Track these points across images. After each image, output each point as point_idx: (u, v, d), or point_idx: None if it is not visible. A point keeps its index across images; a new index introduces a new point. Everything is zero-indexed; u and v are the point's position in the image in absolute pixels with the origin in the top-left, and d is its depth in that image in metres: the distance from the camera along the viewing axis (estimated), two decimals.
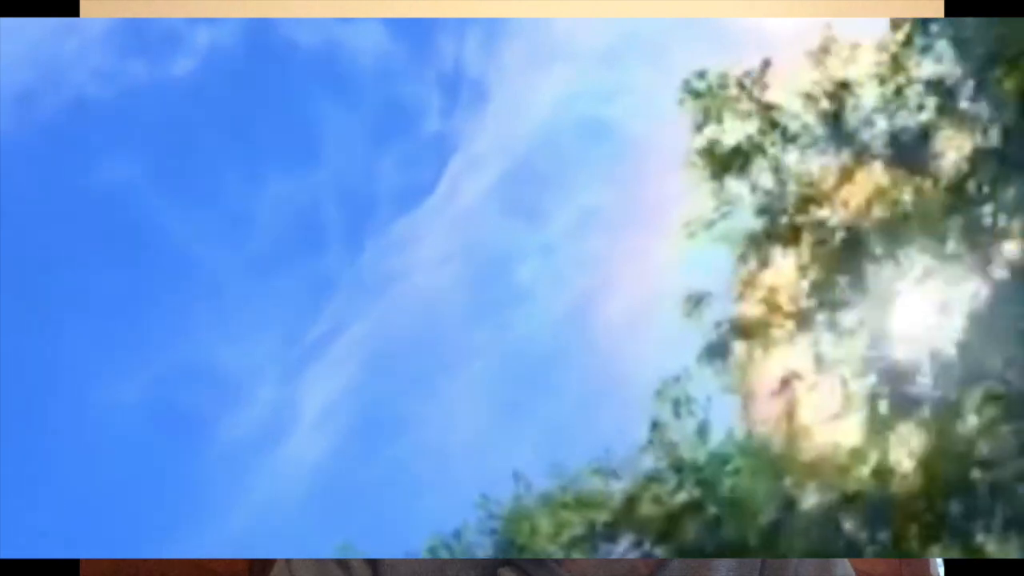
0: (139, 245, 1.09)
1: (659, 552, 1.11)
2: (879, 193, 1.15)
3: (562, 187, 1.14)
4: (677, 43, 1.16)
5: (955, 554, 1.09)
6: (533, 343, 1.14)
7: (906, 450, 1.12)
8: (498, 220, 1.14)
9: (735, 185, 1.18)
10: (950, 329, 1.14)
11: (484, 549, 1.12)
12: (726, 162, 1.17)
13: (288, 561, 1.19)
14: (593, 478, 1.12)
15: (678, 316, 1.16)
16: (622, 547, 1.10)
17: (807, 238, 1.16)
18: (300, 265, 1.11)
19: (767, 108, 1.17)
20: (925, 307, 1.14)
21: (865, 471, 1.11)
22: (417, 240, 1.12)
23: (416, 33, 1.13)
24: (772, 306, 1.16)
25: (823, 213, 1.16)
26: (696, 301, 1.16)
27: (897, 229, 1.15)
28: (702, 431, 1.12)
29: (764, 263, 1.17)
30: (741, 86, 1.17)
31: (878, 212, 1.15)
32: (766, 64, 1.17)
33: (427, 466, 1.11)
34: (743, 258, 1.17)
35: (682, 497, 1.11)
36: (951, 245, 1.14)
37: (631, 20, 1.15)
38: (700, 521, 1.11)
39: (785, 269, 1.17)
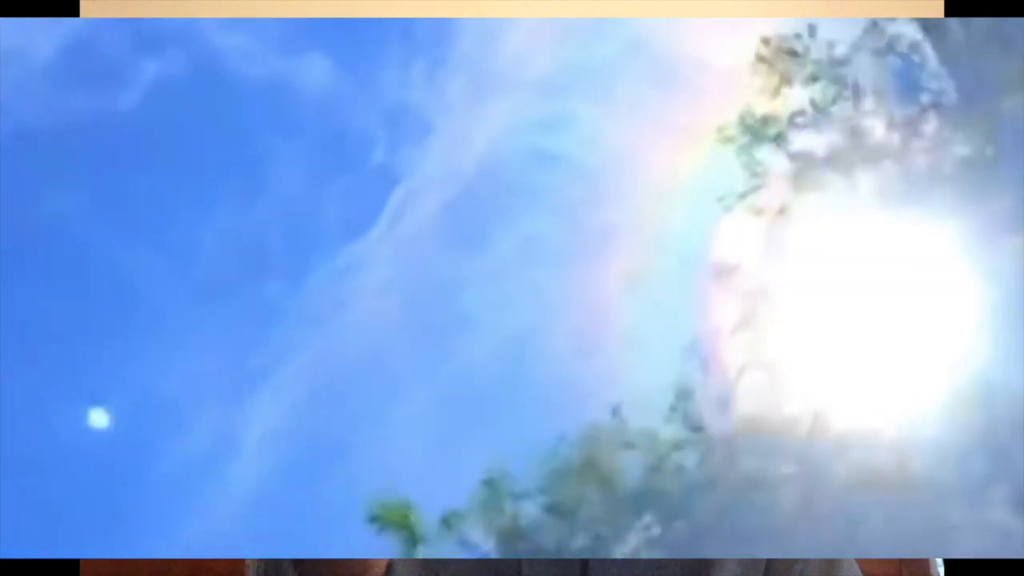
0: (83, 274, 1.10)
1: None
2: None
3: (505, 216, 1.15)
4: (619, 74, 1.17)
5: None
6: (477, 371, 1.14)
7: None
8: (442, 249, 1.15)
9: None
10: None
11: None
12: None
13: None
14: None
15: (622, 347, 1.17)
16: None
17: None
18: (244, 294, 1.12)
19: None
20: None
21: None
22: (361, 269, 1.14)
23: (360, 65, 1.14)
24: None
25: None
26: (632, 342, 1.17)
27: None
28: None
29: None
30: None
31: None
32: None
33: (370, 494, 1.12)
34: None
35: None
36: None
37: (574, 51, 1.17)
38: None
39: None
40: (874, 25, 1.18)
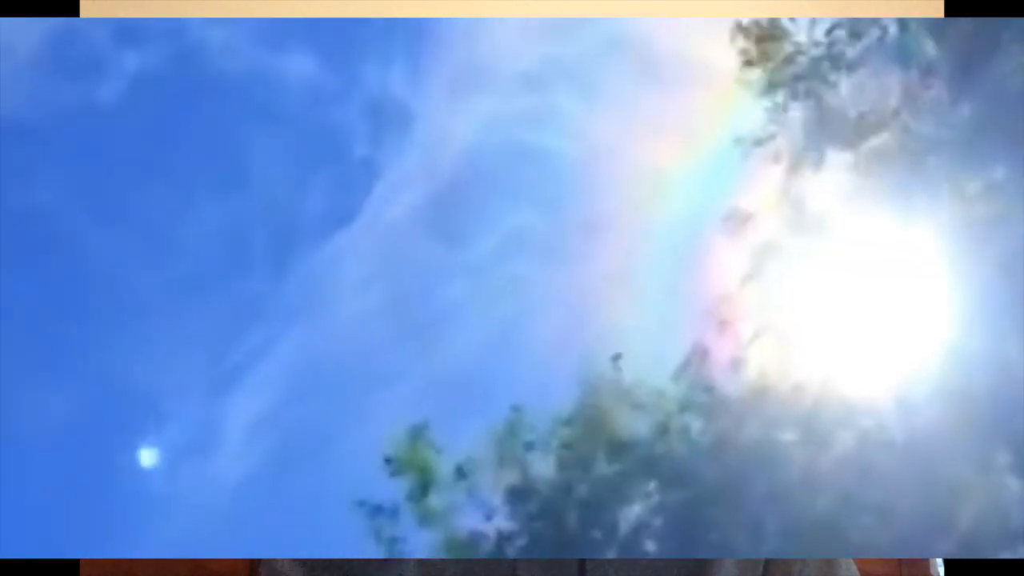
0: (63, 265, 1.10)
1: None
2: None
3: (487, 210, 1.16)
4: (601, 68, 1.18)
5: None
6: (458, 365, 1.15)
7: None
8: (423, 242, 1.15)
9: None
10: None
11: None
12: None
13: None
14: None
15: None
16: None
17: None
18: (226, 286, 1.12)
19: None
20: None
21: None
22: (343, 262, 1.14)
23: (343, 59, 1.15)
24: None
25: None
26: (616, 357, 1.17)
27: None
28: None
29: None
30: None
31: None
32: None
33: (351, 489, 1.12)
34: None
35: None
36: None
37: (554, 44, 1.18)
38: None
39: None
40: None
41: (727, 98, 1.21)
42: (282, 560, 1.17)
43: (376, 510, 1.12)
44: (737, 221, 1.16)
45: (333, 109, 1.14)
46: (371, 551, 1.12)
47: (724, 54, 1.21)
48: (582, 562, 1.16)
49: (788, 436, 1.11)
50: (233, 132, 1.12)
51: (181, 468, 1.09)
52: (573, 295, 1.16)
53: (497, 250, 1.15)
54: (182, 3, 2.22)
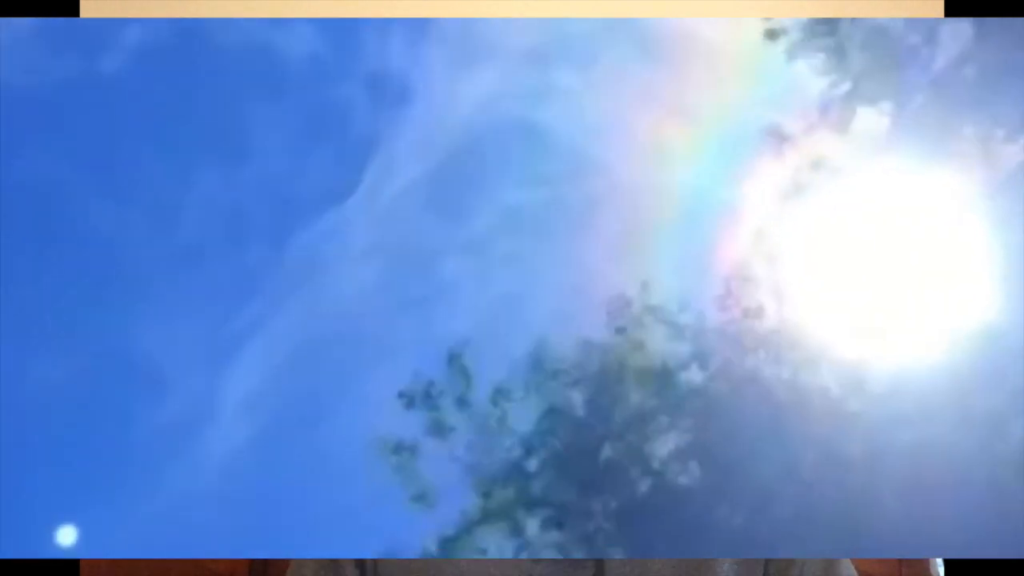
0: (64, 235, 1.11)
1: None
2: None
3: (487, 186, 1.16)
4: (603, 45, 1.18)
5: None
6: (456, 339, 1.15)
7: None
8: (422, 217, 1.16)
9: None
10: None
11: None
12: None
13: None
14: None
15: (603, 316, 1.17)
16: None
17: None
18: (225, 258, 1.13)
19: None
20: None
21: None
22: (341, 236, 1.15)
23: (343, 34, 1.15)
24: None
25: None
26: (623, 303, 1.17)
27: None
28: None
29: None
30: None
31: None
32: None
33: (347, 460, 1.13)
34: None
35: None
36: None
37: (557, 20, 1.17)
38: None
39: None
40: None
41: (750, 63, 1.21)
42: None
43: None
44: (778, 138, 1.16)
45: (333, 84, 1.14)
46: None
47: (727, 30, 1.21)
48: (600, 562, 1.16)
49: (822, 376, 1.11)
50: (234, 106, 1.13)
51: (178, 437, 1.11)
52: (573, 272, 1.16)
53: (496, 226, 1.16)
54: (182, 3, 2.23)
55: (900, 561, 1.88)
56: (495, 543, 1.11)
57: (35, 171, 1.12)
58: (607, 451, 1.13)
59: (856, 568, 1.22)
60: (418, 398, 1.13)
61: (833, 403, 1.11)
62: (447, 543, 1.11)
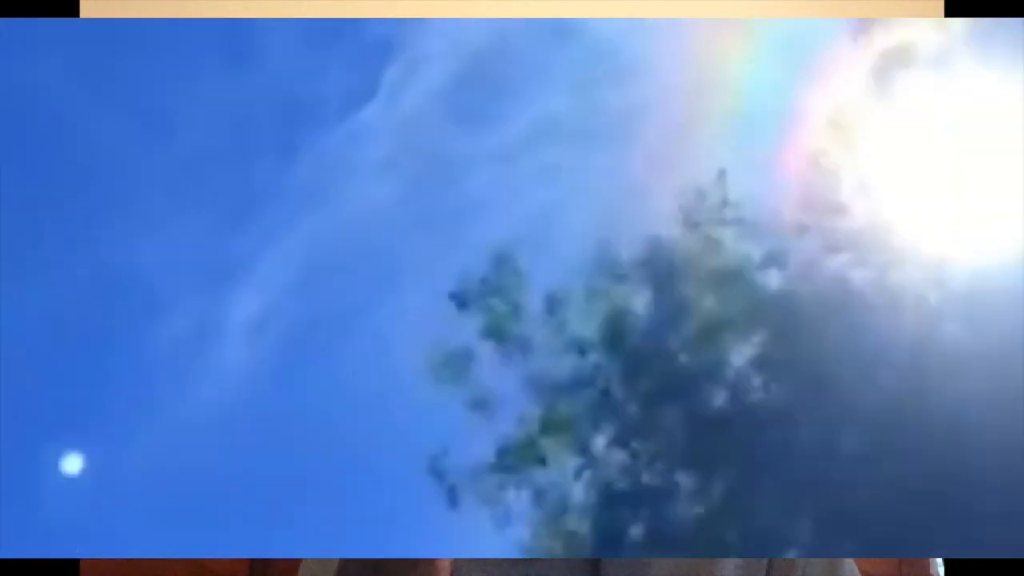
0: (56, 147, 1.01)
1: None
2: None
3: (517, 92, 1.06)
4: None
5: None
6: (486, 258, 1.04)
7: None
8: (446, 126, 1.05)
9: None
10: None
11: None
12: None
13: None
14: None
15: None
16: None
17: None
18: (230, 170, 1.03)
19: None
20: None
21: None
22: (358, 146, 1.04)
23: None
24: None
25: None
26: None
27: None
28: None
29: None
30: None
31: None
32: None
33: (346, 405, 1.02)
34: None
35: None
36: None
37: None
38: None
39: None
40: None
41: None
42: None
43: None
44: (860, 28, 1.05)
45: None
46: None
47: None
48: (596, 562, 1.06)
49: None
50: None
51: (181, 359, 1.00)
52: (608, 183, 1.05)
53: (528, 136, 1.05)
54: (182, 3, 2.18)
55: (900, 561, 1.81)
56: (556, 457, 1.00)
57: (22, 79, 1.02)
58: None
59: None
60: (446, 311, 1.02)
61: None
62: (505, 454, 1.00)
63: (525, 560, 1.05)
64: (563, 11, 1.56)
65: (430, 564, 0.98)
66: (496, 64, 1.06)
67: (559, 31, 1.06)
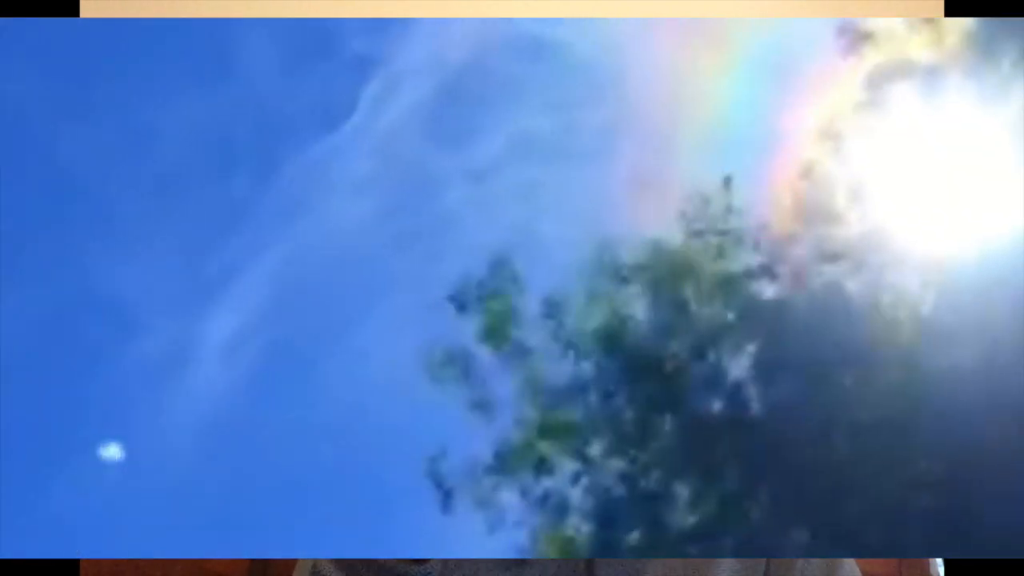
0: (33, 163, 1.01)
1: None
2: None
3: (495, 109, 1.05)
4: None
5: None
6: (463, 275, 1.04)
7: None
8: (423, 143, 1.05)
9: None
10: None
11: None
12: None
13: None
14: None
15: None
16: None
17: None
18: (207, 188, 1.02)
19: None
20: None
21: None
22: (334, 164, 1.04)
23: None
24: None
25: None
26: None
27: None
28: None
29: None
30: None
31: None
32: None
33: (339, 412, 1.02)
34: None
35: None
36: None
37: None
38: None
39: None
40: None
41: None
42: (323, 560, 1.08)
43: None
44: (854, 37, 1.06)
45: None
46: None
47: None
48: (590, 562, 1.07)
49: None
50: (217, 23, 1.03)
51: (155, 382, 1.00)
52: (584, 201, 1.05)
53: (504, 153, 1.05)
54: (182, 3, 2.18)
55: (900, 561, 1.81)
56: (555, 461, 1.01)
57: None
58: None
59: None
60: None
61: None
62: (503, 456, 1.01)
63: (517, 561, 1.05)
64: (552, 11, 1.56)
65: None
66: (474, 81, 1.06)
67: (536, 47, 1.07)
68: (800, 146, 1.09)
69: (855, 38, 1.09)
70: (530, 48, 1.06)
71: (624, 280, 1.02)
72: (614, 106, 1.07)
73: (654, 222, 1.06)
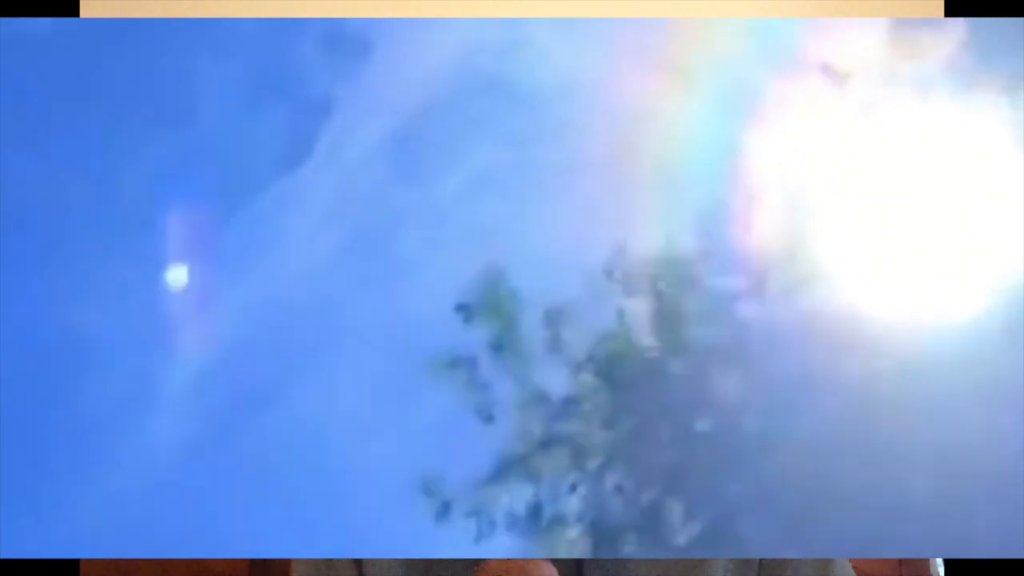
0: None
1: None
2: None
3: (454, 149, 1.06)
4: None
5: None
6: (422, 316, 1.05)
7: None
8: (383, 183, 1.06)
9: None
10: None
11: None
12: None
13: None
14: None
15: (593, 288, 1.07)
16: None
17: None
18: (168, 228, 1.03)
19: None
20: None
21: None
22: (295, 204, 1.05)
23: None
24: None
25: None
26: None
27: None
28: None
29: None
30: None
31: None
32: None
33: (299, 450, 1.03)
34: None
35: None
36: None
37: None
38: None
39: None
40: None
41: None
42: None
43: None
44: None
45: (285, 38, 1.05)
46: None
47: None
48: (579, 562, 1.08)
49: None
50: (177, 62, 1.04)
51: (116, 422, 1.01)
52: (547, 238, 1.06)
53: (464, 191, 1.06)
54: (182, 3, 2.20)
55: (900, 561, 1.82)
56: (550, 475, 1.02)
57: None
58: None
59: (856, 568, 1.16)
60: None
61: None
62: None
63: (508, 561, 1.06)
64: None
65: None
66: (432, 121, 1.06)
67: (494, 86, 1.07)
68: (761, 178, 1.10)
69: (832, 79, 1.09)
70: (487, 85, 1.07)
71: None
72: (573, 142, 1.08)
73: (612, 257, 1.07)
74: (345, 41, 1.06)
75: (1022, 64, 1.07)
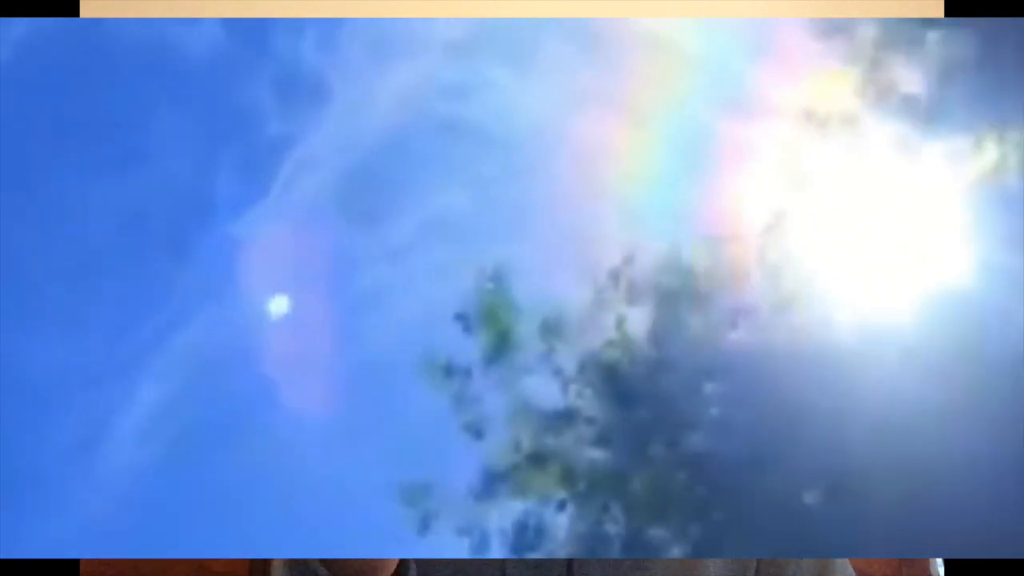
0: None
1: None
2: None
3: (409, 189, 1.07)
4: (535, 38, 1.09)
5: None
6: (377, 356, 1.05)
7: None
8: (338, 224, 1.06)
9: None
10: None
11: None
12: None
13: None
14: None
15: (534, 335, 1.08)
16: None
17: None
18: (123, 268, 1.04)
19: None
20: None
21: None
22: (250, 244, 1.05)
23: (252, 31, 1.07)
24: None
25: None
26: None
27: None
28: None
29: None
30: None
31: None
32: None
33: (255, 488, 1.02)
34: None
35: None
36: None
37: (486, 10, 1.09)
38: None
39: None
40: None
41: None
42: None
43: None
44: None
45: (240, 79, 1.06)
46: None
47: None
48: (569, 562, 1.08)
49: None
50: (131, 105, 1.05)
51: (69, 463, 1.00)
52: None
53: (420, 233, 1.06)
54: (182, 3, 2.19)
55: (900, 561, 1.82)
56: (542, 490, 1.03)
57: None
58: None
59: (855, 568, 1.17)
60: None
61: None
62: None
63: (499, 560, 1.05)
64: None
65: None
66: (389, 161, 1.07)
67: (452, 126, 1.08)
68: (723, 219, 1.11)
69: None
70: (445, 126, 1.08)
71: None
72: (531, 182, 1.09)
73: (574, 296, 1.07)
74: (300, 82, 1.06)
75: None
